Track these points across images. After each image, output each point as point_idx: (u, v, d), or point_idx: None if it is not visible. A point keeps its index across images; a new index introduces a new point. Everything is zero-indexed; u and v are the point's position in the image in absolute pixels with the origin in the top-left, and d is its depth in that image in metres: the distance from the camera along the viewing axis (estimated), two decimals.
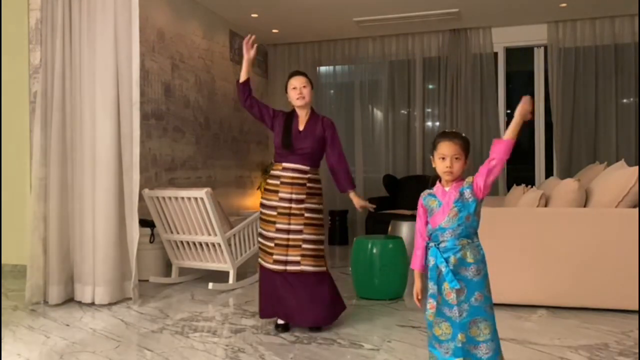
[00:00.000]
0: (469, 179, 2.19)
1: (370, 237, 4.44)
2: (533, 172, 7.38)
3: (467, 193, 2.16)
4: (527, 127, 7.86)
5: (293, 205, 3.30)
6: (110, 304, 3.97)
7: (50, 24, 4.12)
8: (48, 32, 4.12)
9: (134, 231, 4.00)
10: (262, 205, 3.39)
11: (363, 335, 3.23)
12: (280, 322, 3.37)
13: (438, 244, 2.17)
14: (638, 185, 3.63)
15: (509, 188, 6.70)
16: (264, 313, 3.42)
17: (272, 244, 3.31)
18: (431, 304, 2.18)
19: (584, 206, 3.82)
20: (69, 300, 4.10)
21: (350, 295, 4.17)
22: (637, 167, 3.70)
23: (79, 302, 4.03)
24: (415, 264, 2.28)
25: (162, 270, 4.95)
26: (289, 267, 3.29)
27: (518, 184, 4.81)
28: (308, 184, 3.33)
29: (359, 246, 4.25)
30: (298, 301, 3.29)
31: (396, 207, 6.98)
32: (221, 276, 4.79)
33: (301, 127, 3.37)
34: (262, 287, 3.42)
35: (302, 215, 3.30)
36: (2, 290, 4.44)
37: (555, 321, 3.50)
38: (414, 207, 2.38)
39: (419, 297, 2.29)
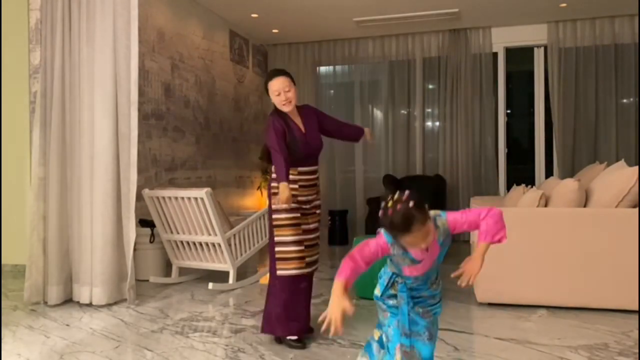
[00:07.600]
0: (443, 222, 1.92)
1: (370, 237, 4.43)
2: (533, 172, 7.38)
3: (447, 242, 1.97)
4: (528, 127, 7.87)
5: (307, 206, 3.14)
6: (109, 304, 3.96)
7: (50, 24, 4.12)
8: (48, 32, 4.12)
9: (131, 231, 3.99)
10: (278, 211, 3.06)
11: (363, 335, 3.22)
12: (292, 337, 3.08)
13: (408, 288, 2.03)
14: (638, 185, 3.63)
15: (509, 188, 6.71)
16: (281, 330, 3.10)
17: (301, 247, 3.06)
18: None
19: (584, 206, 3.82)
20: (68, 300, 4.09)
21: (350, 295, 4.16)
22: (637, 167, 3.69)
23: (79, 302, 4.03)
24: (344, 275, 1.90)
25: (162, 270, 4.95)
26: (311, 269, 3.14)
27: (518, 184, 4.82)
28: (317, 182, 3.22)
29: None
30: (308, 305, 3.17)
31: None
32: (221, 276, 4.79)
33: (303, 129, 3.14)
34: (283, 301, 3.08)
35: (315, 213, 3.18)
36: (2, 290, 4.44)
37: (555, 321, 3.50)
38: None
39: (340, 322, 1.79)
